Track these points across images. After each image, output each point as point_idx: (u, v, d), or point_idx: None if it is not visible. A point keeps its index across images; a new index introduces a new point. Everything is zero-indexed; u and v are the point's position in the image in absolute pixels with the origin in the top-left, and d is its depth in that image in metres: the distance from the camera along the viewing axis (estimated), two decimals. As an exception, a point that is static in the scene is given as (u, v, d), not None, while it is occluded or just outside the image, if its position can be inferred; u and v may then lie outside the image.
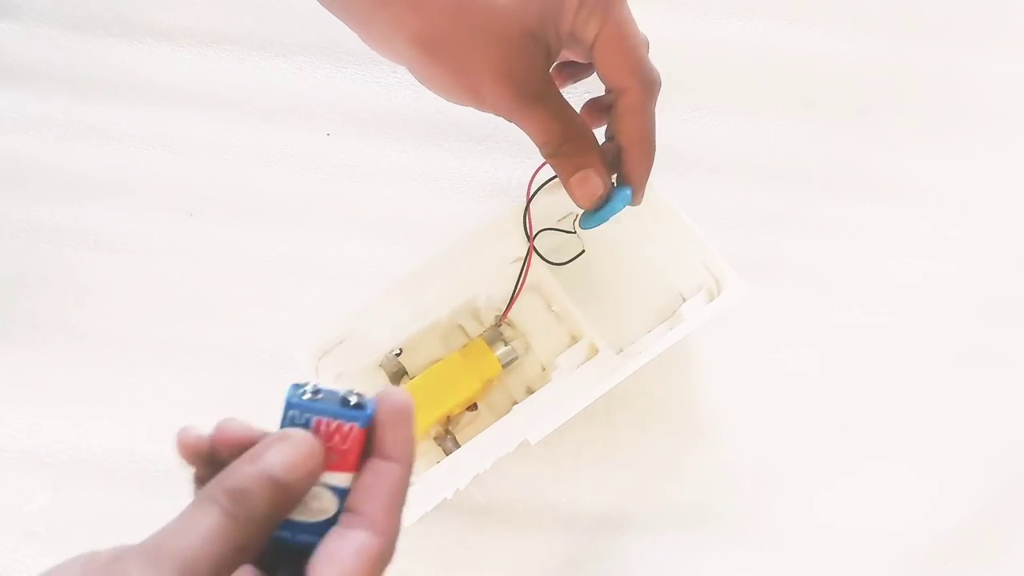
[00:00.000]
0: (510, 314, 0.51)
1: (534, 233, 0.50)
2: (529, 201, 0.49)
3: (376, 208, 0.58)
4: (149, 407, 0.54)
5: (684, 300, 0.52)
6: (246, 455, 0.27)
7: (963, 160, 0.61)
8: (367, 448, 0.29)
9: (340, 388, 0.29)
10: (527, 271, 0.49)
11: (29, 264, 0.57)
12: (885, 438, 0.55)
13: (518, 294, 0.50)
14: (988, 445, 0.55)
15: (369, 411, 0.29)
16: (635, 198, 0.45)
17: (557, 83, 0.43)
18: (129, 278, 0.57)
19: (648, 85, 0.42)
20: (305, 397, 0.29)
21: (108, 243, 0.57)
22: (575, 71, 0.48)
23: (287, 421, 0.29)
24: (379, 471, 0.28)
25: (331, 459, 0.29)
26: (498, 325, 0.52)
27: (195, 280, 0.57)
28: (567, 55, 0.45)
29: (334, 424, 0.29)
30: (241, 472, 0.27)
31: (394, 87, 0.61)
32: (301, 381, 0.30)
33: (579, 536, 0.52)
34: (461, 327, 0.53)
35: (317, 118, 0.60)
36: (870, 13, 0.64)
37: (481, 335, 0.51)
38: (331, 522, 0.28)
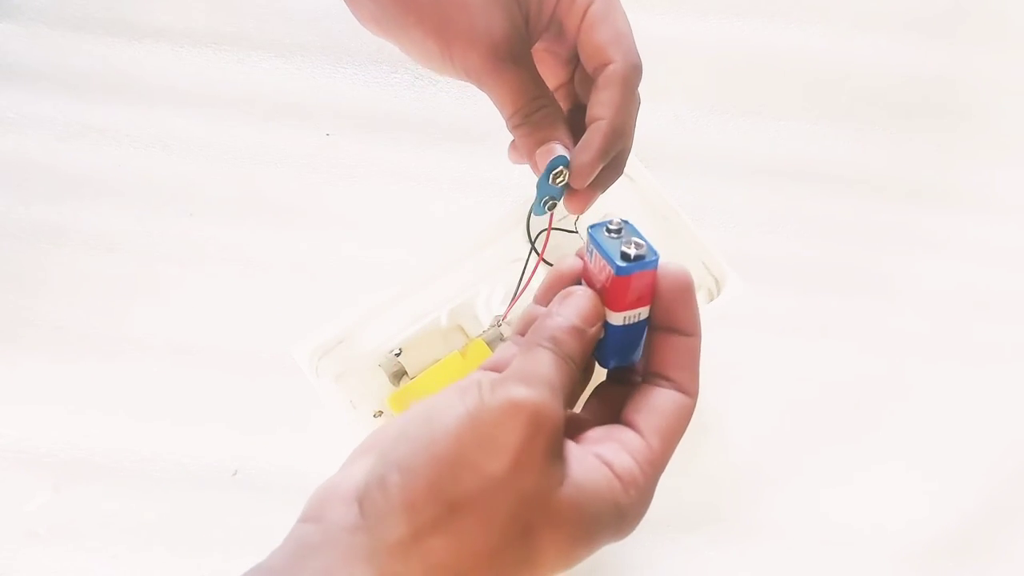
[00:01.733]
0: (510, 314, 0.51)
1: (535, 235, 0.50)
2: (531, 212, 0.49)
3: (376, 208, 0.58)
4: (149, 407, 0.54)
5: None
6: (547, 311, 0.33)
7: (962, 159, 0.61)
8: (632, 295, 0.33)
9: (631, 236, 0.33)
10: (531, 277, 0.49)
11: (29, 264, 0.57)
12: (885, 437, 0.55)
13: (518, 296, 0.50)
14: (988, 443, 0.55)
15: (631, 266, 0.32)
16: (575, 178, 0.40)
17: None
18: (129, 278, 0.57)
19: (633, 64, 0.41)
20: (605, 232, 0.33)
21: (108, 243, 0.57)
22: None
23: (588, 245, 0.34)
24: (676, 344, 0.33)
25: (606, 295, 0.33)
26: (498, 325, 0.52)
27: (195, 280, 0.57)
28: (545, 47, 0.43)
29: (603, 263, 0.33)
30: (550, 324, 0.32)
31: (394, 87, 0.61)
32: (613, 220, 0.33)
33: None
34: (461, 327, 0.53)
35: (317, 118, 0.60)
36: (870, 12, 0.64)
37: (481, 335, 0.51)
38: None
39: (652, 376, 0.33)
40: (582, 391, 0.35)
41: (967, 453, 0.55)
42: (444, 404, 0.30)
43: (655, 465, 0.32)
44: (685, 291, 0.33)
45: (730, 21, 0.63)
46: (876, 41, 0.63)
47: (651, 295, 0.33)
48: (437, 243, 0.56)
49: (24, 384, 0.55)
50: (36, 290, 0.56)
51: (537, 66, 0.41)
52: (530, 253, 0.49)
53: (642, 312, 0.33)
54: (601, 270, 0.33)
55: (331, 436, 0.52)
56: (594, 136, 0.40)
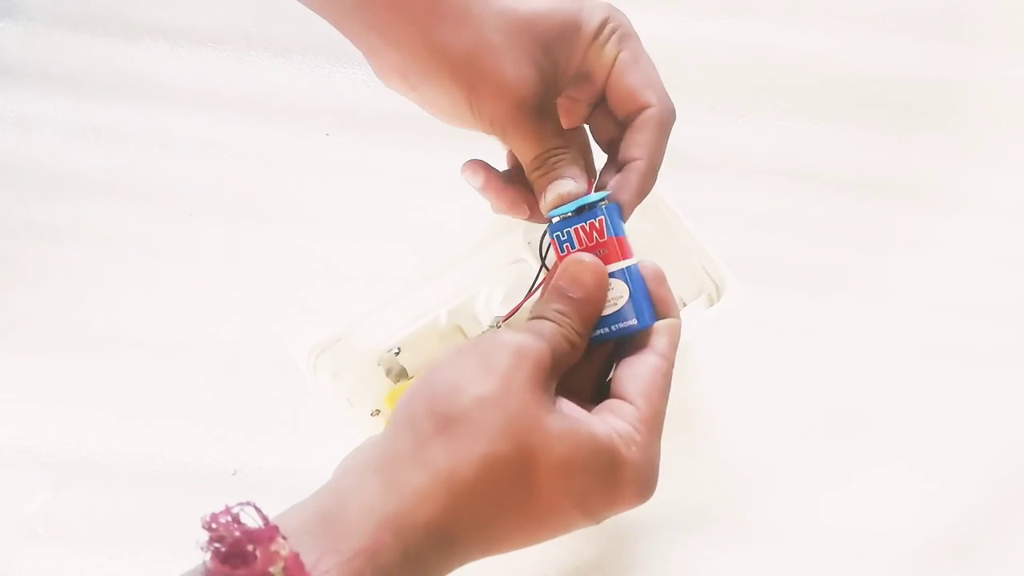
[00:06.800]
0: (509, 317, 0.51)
1: (545, 247, 0.49)
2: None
3: (375, 208, 0.58)
4: (149, 407, 0.54)
5: (684, 305, 0.52)
6: (551, 285, 0.38)
7: (962, 160, 0.61)
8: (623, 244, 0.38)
9: (583, 200, 0.38)
10: (538, 287, 0.48)
11: (28, 264, 0.57)
12: (884, 438, 0.55)
13: (524, 301, 0.49)
14: (987, 444, 0.55)
15: (603, 202, 0.38)
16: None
17: None
18: (129, 278, 0.57)
19: (670, 108, 0.41)
20: (562, 217, 0.38)
21: (108, 243, 0.57)
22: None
23: (560, 243, 0.39)
24: (656, 326, 0.38)
25: (603, 253, 0.38)
26: (497, 327, 0.52)
27: (194, 280, 0.57)
28: (566, 93, 0.43)
29: (587, 226, 0.38)
30: (549, 297, 0.38)
31: (394, 87, 0.61)
32: (563, 213, 0.39)
33: (577, 537, 0.52)
34: (460, 327, 0.53)
35: (316, 118, 0.60)
36: (869, 12, 0.64)
37: (480, 336, 0.51)
38: (625, 312, 0.38)
39: (633, 346, 0.38)
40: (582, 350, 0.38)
41: (966, 454, 0.55)
42: (453, 349, 0.36)
43: (647, 422, 0.35)
44: (659, 279, 0.39)
45: (730, 21, 0.63)
46: (876, 41, 0.63)
47: (608, 248, 0.38)
48: (436, 243, 0.56)
49: (24, 383, 0.55)
50: (35, 290, 0.56)
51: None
52: (540, 268, 0.48)
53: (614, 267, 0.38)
54: (591, 234, 0.38)
55: (330, 435, 0.52)
56: (633, 176, 0.41)
